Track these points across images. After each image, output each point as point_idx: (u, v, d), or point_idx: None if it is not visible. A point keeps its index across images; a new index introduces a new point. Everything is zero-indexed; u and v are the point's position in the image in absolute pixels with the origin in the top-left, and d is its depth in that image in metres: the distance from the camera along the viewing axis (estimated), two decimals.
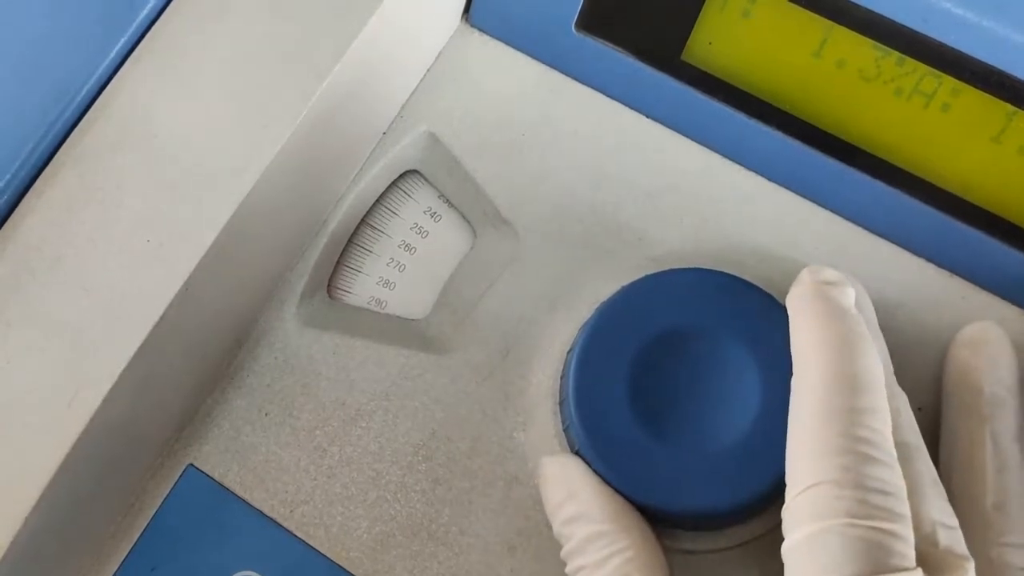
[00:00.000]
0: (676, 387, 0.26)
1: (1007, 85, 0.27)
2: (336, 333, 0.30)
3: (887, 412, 0.23)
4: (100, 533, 0.29)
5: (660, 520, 0.26)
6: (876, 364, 0.24)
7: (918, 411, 0.26)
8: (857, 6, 0.28)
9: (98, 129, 0.28)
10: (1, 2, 0.29)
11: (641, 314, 0.26)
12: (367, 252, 0.32)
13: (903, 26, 0.28)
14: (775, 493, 0.25)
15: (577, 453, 0.26)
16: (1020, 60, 0.27)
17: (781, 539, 0.23)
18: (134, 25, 0.29)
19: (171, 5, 0.29)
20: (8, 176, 0.28)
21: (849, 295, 0.25)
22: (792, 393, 0.24)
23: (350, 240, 0.32)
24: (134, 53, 0.29)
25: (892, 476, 0.22)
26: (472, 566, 0.28)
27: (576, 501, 0.25)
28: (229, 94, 0.28)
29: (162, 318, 0.26)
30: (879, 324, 0.27)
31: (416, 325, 0.31)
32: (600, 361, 0.26)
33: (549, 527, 0.27)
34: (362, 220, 0.32)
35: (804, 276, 0.25)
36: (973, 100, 0.28)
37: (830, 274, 0.25)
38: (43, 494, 0.25)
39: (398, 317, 0.31)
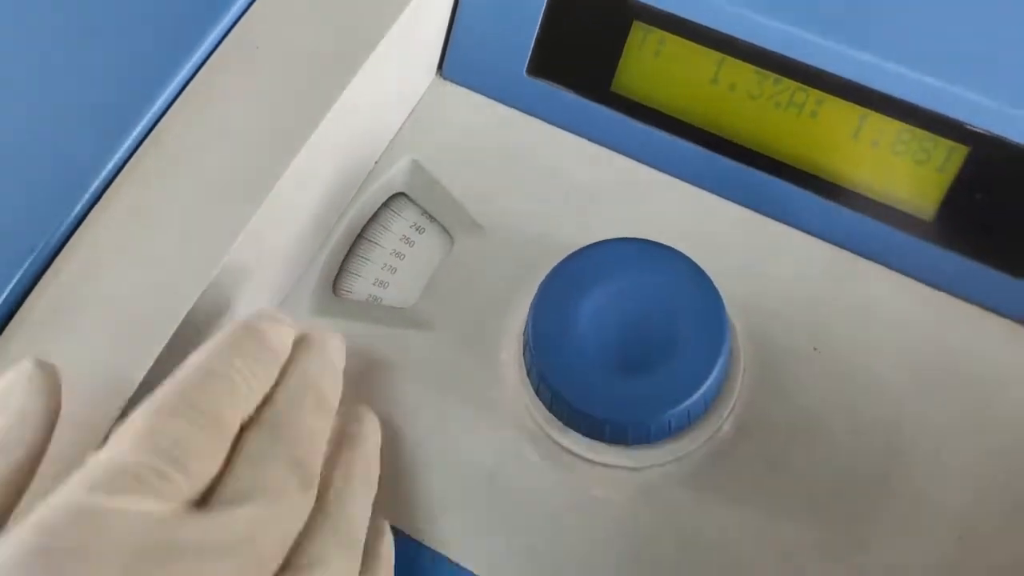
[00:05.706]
0: (612, 329, 0.30)
1: (859, 93, 0.31)
2: (341, 319, 0.35)
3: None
4: None
5: (606, 436, 0.30)
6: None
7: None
8: (740, 40, 0.32)
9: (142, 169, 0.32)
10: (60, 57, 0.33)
11: (583, 274, 0.31)
12: (364, 260, 0.36)
13: (776, 53, 0.32)
14: (701, 413, 0.30)
15: (538, 391, 0.31)
16: (868, 73, 0.31)
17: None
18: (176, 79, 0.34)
19: (208, 63, 0.34)
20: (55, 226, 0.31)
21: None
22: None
23: (350, 250, 0.36)
24: (177, 100, 0.34)
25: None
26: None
27: None
28: (250, 140, 0.32)
29: (186, 319, 0.30)
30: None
31: (405, 312, 0.35)
32: (551, 314, 0.31)
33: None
34: (359, 234, 0.36)
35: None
36: (834, 107, 0.32)
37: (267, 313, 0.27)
38: None
39: (391, 307, 0.36)
